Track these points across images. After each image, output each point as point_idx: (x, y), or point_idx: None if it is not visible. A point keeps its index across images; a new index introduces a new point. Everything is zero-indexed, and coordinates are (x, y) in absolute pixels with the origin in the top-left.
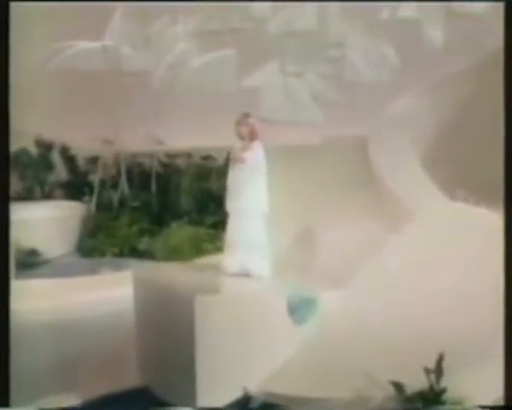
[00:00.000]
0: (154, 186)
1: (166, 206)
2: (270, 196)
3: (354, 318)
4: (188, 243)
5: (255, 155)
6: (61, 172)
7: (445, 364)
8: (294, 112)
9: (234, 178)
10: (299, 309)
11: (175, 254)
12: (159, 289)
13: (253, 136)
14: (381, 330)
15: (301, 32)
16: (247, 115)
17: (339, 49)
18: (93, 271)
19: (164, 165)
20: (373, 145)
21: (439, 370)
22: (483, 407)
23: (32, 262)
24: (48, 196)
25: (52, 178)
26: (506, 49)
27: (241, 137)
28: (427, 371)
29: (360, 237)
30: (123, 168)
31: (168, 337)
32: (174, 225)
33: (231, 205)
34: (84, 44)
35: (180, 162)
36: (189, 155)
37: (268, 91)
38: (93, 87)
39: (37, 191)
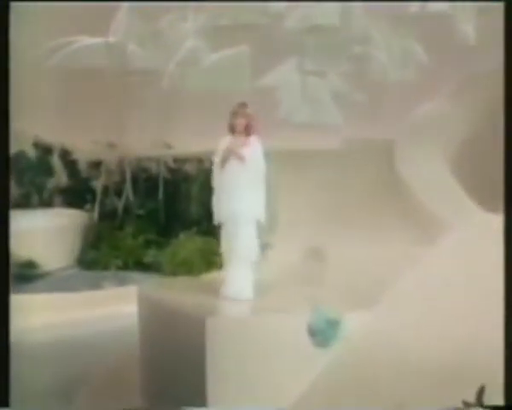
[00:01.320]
0: (161, 193)
1: (174, 215)
2: (283, 204)
3: (383, 340)
4: (197, 256)
5: (254, 152)
6: (61, 178)
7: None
8: (313, 113)
9: (226, 179)
10: (320, 331)
11: (183, 268)
12: (166, 307)
13: (249, 129)
14: (414, 353)
15: (321, 27)
16: (243, 105)
17: (362, 46)
18: (95, 285)
19: (172, 170)
20: (399, 150)
21: (479, 404)
22: (483, 407)
23: (28, 275)
24: (46, 203)
25: (51, 183)
26: (506, 49)
27: (235, 131)
28: (466, 405)
29: (386, 251)
30: (128, 174)
31: (174, 359)
32: (183, 235)
33: (223, 212)
34: (87, 40)
35: (190, 168)
36: (199, 159)
37: (285, 92)
38: (96, 86)
39: (35, 198)
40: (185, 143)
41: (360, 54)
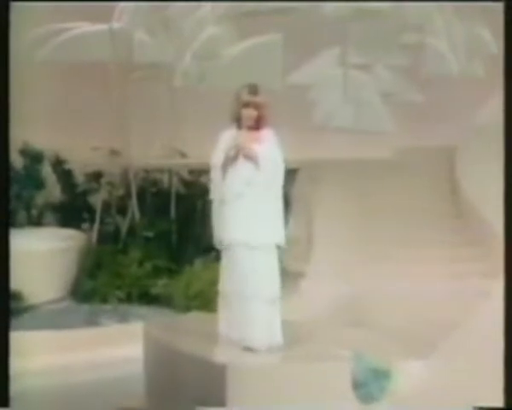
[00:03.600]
0: (173, 211)
1: (189, 238)
2: (319, 224)
3: (441, 396)
4: (215, 287)
5: (269, 150)
6: (53, 191)
7: None
8: (357, 116)
9: (232, 188)
10: (365, 383)
11: (199, 302)
12: (177, 351)
13: (260, 122)
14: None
15: (368, 12)
16: (254, 91)
17: (417, 34)
18: (92, 321)
19: (186, 184)
20: (461, 160)
21: None
22: (483, 407)
23: (13, 308)
24: (35, 221)
25: (41, 198)
26: (506, 49)
27: (243, 125)
28: None
29: (445, 284)
30: (133, 187)
31: None
32: (198, 263)
33: (229, 234)
34: (86, 27)
35: (207, 181)
36: None
37: (324, 89)
38: (96, 82)
39: (22, 215)
40: (202, 150)
41: (415, 43)
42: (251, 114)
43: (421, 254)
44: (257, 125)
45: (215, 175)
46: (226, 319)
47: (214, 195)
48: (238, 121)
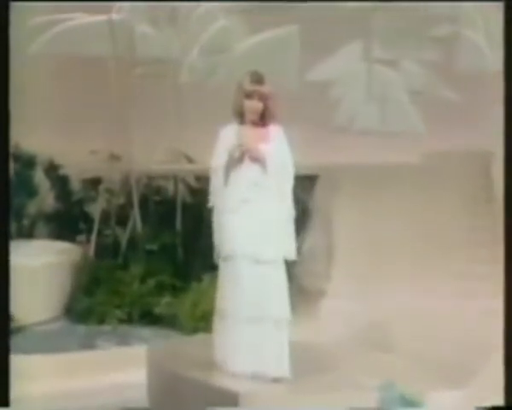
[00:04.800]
0: (178, 222)
1: (196, 251)
2: (340, 236)
3: None
4: None
5: (277, 150)
6: (46, 199)
7: None
8: (384, 117)
9: (235, 194)
10: None
11: (207, 323)
12: (183, 377)
13: (267, 116)
14: None
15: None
16: (258, 77)
17: (450, 25)
18: (89, 344)
19: (193, 191)
20: (498, 166)
21: None
22: (483, 407)
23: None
24: (26, 232)
25: (33, 207)
26: (506, 49)
27: (246, 120)
28: None
29: (482, 303)
30: (135, 195)
31: None
32: (207, 279)
33: (229, 245)
34: (83, 18)
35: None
36: None
37: (345, 87)
38: (94, 79)
39: (12, 226)
40: (211, 155)
41: (448, 35)
42: (255, 106)
43: (452, 272)
44: (262, 119)
45: (216, 179)
46: (224, 343)
47: (215, 201)
48: (240, 115)
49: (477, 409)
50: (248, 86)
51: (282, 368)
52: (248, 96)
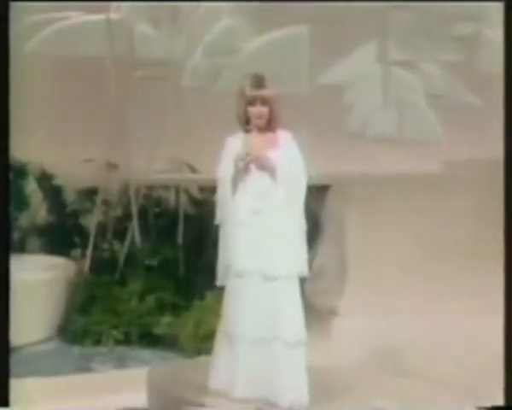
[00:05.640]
0: (180, 236)
1: (199, 267)
2: (355, 250)
3: None
4: None
5: (288, 158)
6: (38, 211)
7: None
8: (401, 123)
9: (243, 206)
10: None
11: (211, 344)
12: (186, 400)
13: (273, 122)
14: None
15: None
16: (258, 81)
17: (473, 24)
18: (84, 366)
19: (196, 203)
20: None
21: None
22: (483, 407)
23: None
24: (17, 247)
25: (25, 219)
26: (506, 48)
27: (252, 126)
28: None
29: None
30: (134, 207)
31: None
32: (210, 297)
33: (237, 261)
34: (79, 17)
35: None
36: None
37: (360, 91)
38: (91, 82)
39: None
40: (215, 164)
41: (470, 35)
42: (259, 111)
43: (474, 290)
44: (269, 125)
45: (223, 190)
46: (228, 366)
47: (222, 214)
48: (245, 123)
49: (477, 409)
50: (249, 92)
51: (299, 395)
52: (251, 102)
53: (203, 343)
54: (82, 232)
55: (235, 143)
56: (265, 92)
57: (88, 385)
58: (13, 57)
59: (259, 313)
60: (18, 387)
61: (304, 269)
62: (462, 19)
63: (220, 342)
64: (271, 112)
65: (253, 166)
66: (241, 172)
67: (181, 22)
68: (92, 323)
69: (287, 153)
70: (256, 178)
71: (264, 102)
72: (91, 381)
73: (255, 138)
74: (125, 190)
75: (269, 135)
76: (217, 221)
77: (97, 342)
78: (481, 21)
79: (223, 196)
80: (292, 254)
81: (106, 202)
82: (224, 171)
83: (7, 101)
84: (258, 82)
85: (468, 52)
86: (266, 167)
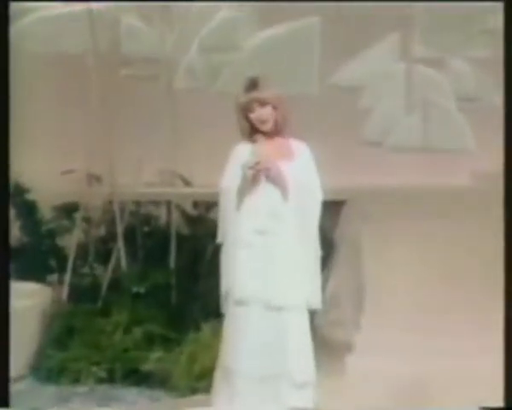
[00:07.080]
0: (172, 258)
1: (193, 294)
2: (374, 273)
3: None
4: None
5: (301, 170)
6: (10, 231)
7: None
8: (426, 129)
9: (249, 226)
10: None
11: (206, 383)
12: None
13: (280, 128)
14: None
15: None
16: (251, 83)
17: None
18: (62, 408)
19: (190, 220)
20: None
21: None
22: (483, 407)
23: None
24: None
25: None
26: (506, 48)
27: (258, 134)
28: None
29: None
30: (119, 225)
31: None
32: (207, 328)
33: (239, 287)
34: (57, 7)
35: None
36: None
37: (379, 93)
38: (70, 82)
39: None
40: (211, 177)
41: (501, 29)
42: (260, 114)
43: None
44: (276, 129)
45: (226, 204)
46: (227, 407)
47: (224, 233)
48: (249, 134)
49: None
50: (244, 98)
51: None
52: (248, 108)
53: (198, 382)
54: (59, 255)
55: (244, 151)
56: (261, 93)
57: None
58: None
59: (261, 347)
60: None
61: (315, 301)
62: (496, 10)
63: (219, 379)
64: (276, 114)
65: (262, 177)
66: (248, 183)
67: (174, 15)
68: (70, 359)
69: (301, 166)
70: (265, 192)
71: (263, 103)
72: None
73: (265, 146)
74: (108, 206)
75: (279, 141)
76: (219, 239)
77: (76, 380)
78: None
79: (226, 209)
80: (301, 283)
81: (87, 220)
82: (228, 180)
83: (7, 100)
84: (251, 84)
85: (500, 50)
86: (277, 181)
